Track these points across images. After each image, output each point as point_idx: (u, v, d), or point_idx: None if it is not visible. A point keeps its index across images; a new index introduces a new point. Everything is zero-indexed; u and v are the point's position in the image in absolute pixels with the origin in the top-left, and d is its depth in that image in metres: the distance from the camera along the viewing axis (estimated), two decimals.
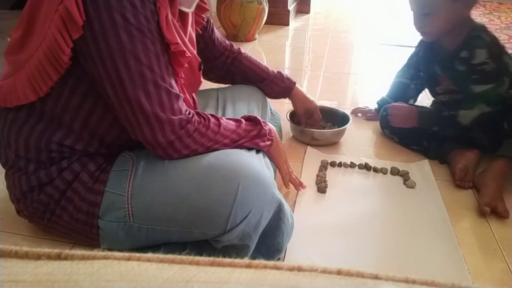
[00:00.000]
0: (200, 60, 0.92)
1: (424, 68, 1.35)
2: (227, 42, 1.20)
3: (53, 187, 0.80)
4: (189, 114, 0.78)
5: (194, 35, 0.95)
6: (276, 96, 1.26)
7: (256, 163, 0.81)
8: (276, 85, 1.23)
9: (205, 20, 1.04)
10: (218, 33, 1.17)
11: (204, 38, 1.10)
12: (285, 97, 1.29)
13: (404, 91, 1.43)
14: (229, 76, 1.21)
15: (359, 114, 1.57)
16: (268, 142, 0.90)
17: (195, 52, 0.89)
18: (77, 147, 0.80)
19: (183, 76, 0.81)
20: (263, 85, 1.21)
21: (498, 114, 1.17)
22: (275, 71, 1.24)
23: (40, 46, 0.71)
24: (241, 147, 0.85)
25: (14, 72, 0.77)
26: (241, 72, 1.20)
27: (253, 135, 0.87)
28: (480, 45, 1.15)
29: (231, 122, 0.86)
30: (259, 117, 0.92)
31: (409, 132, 1.31)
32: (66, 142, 0.79)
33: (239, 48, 1.21)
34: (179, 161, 0.79)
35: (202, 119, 0.80)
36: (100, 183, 0.80)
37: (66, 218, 0.81)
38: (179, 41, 0.75)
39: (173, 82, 0.76)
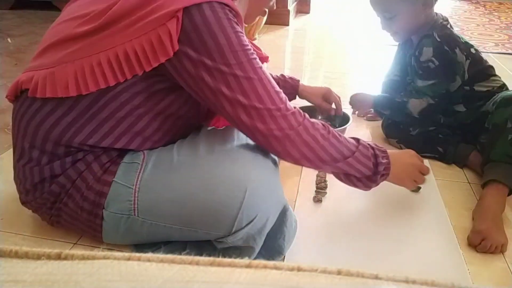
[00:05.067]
0: None
1: (401, 58, 1.40)
2: None
3: (66, 176, 0.80)
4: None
5: None
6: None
7: (263, 166, 0.81)
8: (283, 88, 1.20)
9: None
10: None
11: None
12: (294, 97, 1.28)
13: (395, 88, 1.43)
14: None
15: (356, 112, 1.57)
16: (381, 178, 0.89)
17: None
18: (101, 145, 0.79)
19: None
20: None
21: (470, 131, 1.24)
22: (278, 75, 1.25)
23: (104, 51, 0.72)
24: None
25: (56, 64, 0.76)
26: None
27: (366, 175, 0.86)
28: (428, 43, 1.21)
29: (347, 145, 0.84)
30: (375, 149, 0.87)
31: (418, 139, 1.29)
32: (90, 142, 0.79)
33: None
34: (188, 159, 0.79)
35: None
36: (109, 174, 0.80)
37: (72, 206, 0.81)
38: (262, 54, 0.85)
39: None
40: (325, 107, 1.31)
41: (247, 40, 0.76)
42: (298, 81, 1.28)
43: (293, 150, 0.77)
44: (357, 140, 0.86)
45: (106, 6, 0.74)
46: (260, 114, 0.75)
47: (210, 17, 0.71)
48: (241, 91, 0.73)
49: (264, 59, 0.92)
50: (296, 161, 0.80)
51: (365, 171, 0.85)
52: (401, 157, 0.95)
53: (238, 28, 0.74)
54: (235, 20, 0.75)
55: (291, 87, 1.27)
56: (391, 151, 0.91)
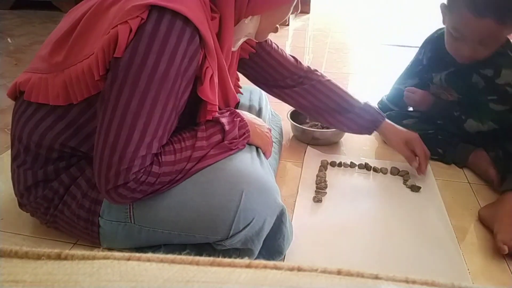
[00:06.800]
0: (238, 100, 0.90)
1: (425, 74, 1.32)
2: (303, 66, 1.13)
3: (59, 182, 0.81)
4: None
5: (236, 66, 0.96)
6: (360, 130, 1.15)
7: (259, 169, 0.80)
8: (360, 118, 1.12)
9: (255, 46, 1.03)
10: (285, 56, 1.10)
11: (254, 61, 1.06)
12: (370, 133, 1.16)
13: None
14: (295, 99, 1.13)
15: None
16: (245, 141, 0.83)
17: (234, 91, 0.88)
18: (91, 153, 0.79)
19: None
20: (345, 117, 1.12)
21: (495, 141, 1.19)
22: (363, 102, 1.13)
23: (87, 59, 0.70)
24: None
25: (48, 71, 0.76)
26: (316, 97, 1.11)
27: (221, 144, 0.78)
28: (507, 64, 1.12)
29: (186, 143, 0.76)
30: (218, 116, 0.80)
31: None
32: (82, 149, 0.79)
33: (322, 74, 1.14)
34: None
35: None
36: None
37: (68, 214, 0.81)
38: (217, 100, 0.75)
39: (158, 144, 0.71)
40: (406, 155, 1.14)
41: (180, 84, 0.69)
42: (384, 117, 1.14)
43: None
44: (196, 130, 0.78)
45: (89, 14, 0.73)
46: (102, 162, 0.68)
47: (160, 32, 0.65)
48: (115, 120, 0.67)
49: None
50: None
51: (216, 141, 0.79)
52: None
53: (183, 59, 0.67)
54: (193, 47, 0.68)
55: (371, 122, 1.13)
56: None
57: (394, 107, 1.44)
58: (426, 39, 1.32)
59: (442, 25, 1.18)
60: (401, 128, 1.16)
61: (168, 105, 0.68)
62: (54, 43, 0.77)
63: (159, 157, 0.71)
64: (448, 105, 1.25)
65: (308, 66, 1.14)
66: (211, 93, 0.73)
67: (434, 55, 1.27)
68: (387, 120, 1.15)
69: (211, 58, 0.72)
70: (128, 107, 0.66)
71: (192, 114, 0.79)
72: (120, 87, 0.67)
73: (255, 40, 0.90)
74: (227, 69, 0.81)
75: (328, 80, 1.14)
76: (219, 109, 0.82)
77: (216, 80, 0.75)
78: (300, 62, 1.13)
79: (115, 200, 0.71)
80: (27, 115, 0.79)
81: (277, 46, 1.10)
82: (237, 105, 0.91)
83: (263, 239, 0.78)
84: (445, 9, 1.12)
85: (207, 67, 0.72)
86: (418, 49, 1.36)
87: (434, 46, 1.27)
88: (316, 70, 1.15)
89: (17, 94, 0.82)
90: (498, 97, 1.15)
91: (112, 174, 0.68)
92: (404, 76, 1.42)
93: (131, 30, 0.65)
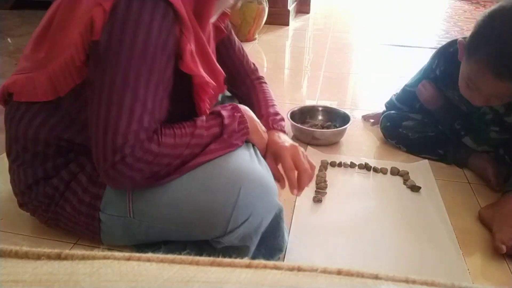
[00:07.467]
0: (224, 74, 0.88)
1: (437, 83, 1.29)
2: (253, 67, 1.11)
3: (59, 179, 0.81)
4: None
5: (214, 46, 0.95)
6: None
7: (257, 166, 0.81)
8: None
9: (226, 29, 1.01)
10: (244, 55, 1.09)
11: (219, 49, 1.02)
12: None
13: (414, 101, 1.37)
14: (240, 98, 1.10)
15: (372, 120, 1.54)
16: (243, 137, 0.83)
17: (218, 66, 0.86)
18: (87, 144, 0.79)
19: (209, 102, 0.81)
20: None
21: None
22: (274, 115, 1.00)
23: (68, 49, 0.72)
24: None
25: (33, 69, 0.77)
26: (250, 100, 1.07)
27: (220, 139, 0.79)
28: None
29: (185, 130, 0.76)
30: (220, 109, 0.80)
31: (418, 142, 1.29)
32: (77, 140, 0.80)
33: (262, 77, 1.10)
34: None
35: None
36: None
37: (69, 210, 0.82)
38: (203, 72, 0.76)
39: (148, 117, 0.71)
40: (272, 172, 0.86)
41: (163, 54, 0.69)
42: (270, 127, 0.96)
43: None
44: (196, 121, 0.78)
45: (62, 8, 0.74)
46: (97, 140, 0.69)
47: (133, 10, 0.66)
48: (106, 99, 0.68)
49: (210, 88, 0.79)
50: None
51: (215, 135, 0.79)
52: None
53: (159, 35, 0.68)
54: (168, 23, 0.68)
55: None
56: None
57: (401, 106, 1.44)
58: (440, 51, 1.27)
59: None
60: (282, 138, 0.92)
61: (151, 79, 0.69)
62: (34, 41, 0.78)
63: (159, 137, 0.71)
64: (454, 112, 1.24)
65: (259, 76, 1.11)
66: (193, 66, 0.74)
67: (447, 71, 1.23)
68: (274, 131, 0.94)
69: (188, 33, 0.73)
70: (114, 86, 0.68)
71: (190, 106, 0.80)
72: (103, 68, 0.68)
73: (228, 11, 0.90)
74: (207, 44, 0.81)
75: (264, 86, 1.09)
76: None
77: (194, 53, 0.76)
78: (251, 64, 1.11)
79: (115, 179, 0.70)
80: (19, 115, 0.81)
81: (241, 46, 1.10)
82: (224, 80, 0.90)
83: (259, 236, 0.79)
84: (464, 49, 1.07)
85: (184, 42, 0.73)
86: (425, 50, 1.34)
87: (448, 61, 1.22)
88: (257, 75, 1.11)
89: (6, 98, 0.83)
90: (500, 129, 1.16)
91: (109, 152, 0.68)
92: (417, 81, 1.36)
93: (104, 11, 0.67)
